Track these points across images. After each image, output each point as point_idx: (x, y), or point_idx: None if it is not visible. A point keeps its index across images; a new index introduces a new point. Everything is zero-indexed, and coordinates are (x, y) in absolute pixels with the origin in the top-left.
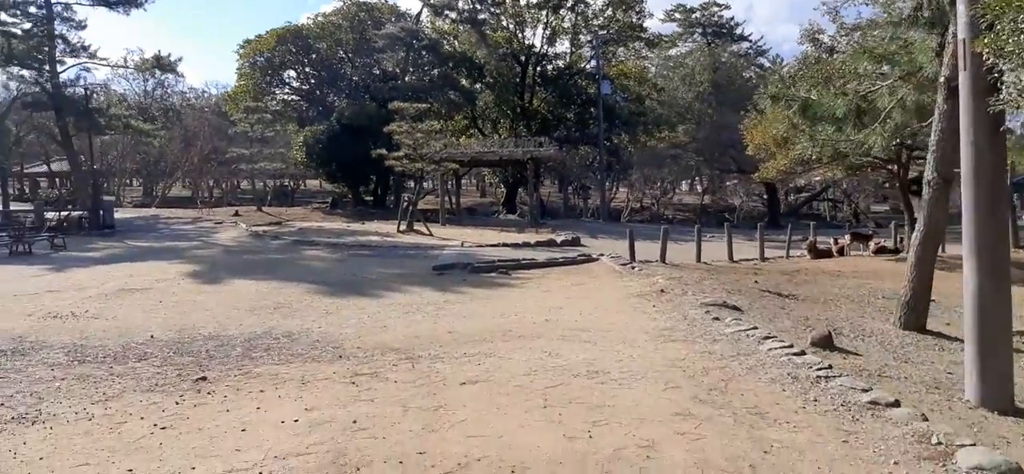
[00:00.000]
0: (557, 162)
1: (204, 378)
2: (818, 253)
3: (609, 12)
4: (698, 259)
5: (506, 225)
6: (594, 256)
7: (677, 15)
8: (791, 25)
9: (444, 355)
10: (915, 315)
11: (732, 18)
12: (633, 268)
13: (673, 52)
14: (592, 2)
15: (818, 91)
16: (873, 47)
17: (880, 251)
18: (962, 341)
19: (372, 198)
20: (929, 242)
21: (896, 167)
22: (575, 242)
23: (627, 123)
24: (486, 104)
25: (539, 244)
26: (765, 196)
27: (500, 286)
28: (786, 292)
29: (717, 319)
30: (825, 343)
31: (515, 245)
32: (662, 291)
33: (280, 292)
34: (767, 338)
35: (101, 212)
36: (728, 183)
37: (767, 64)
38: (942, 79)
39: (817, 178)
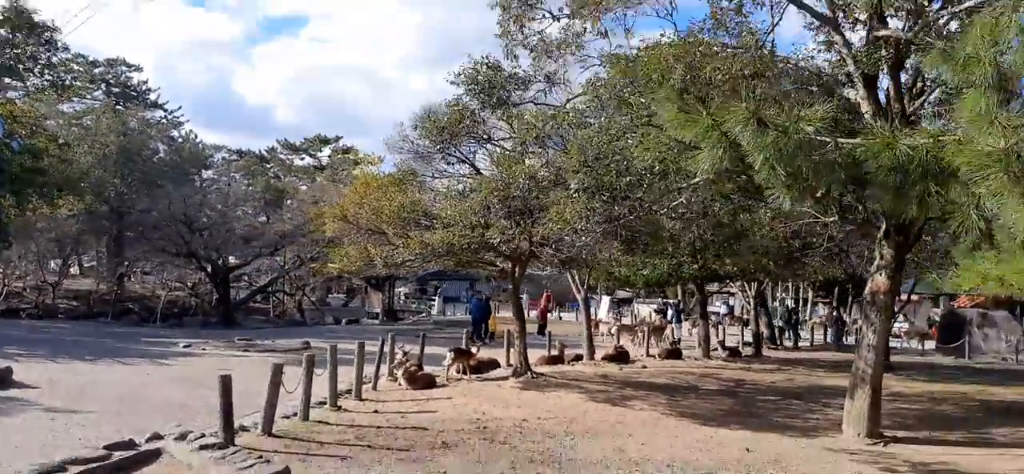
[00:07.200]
0: None
1: None
2: (422, 382)
3: (3, 32)
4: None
5: None
6: (141, 445)
7: (75, 67)
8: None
9: None
10: None
11: (145, 82)
12: None
13: (66, 108)
14: None
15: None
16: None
17: (479, 369)
18: None
19: None
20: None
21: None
22: (6, 377)
23: (17, 181)
24: None
25: None
26: (195, 286)
27: None
28: None
29: None
30: None
31: None
32: None
33: None
34: None
35: None
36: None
37: (179, 138)
38: None
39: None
